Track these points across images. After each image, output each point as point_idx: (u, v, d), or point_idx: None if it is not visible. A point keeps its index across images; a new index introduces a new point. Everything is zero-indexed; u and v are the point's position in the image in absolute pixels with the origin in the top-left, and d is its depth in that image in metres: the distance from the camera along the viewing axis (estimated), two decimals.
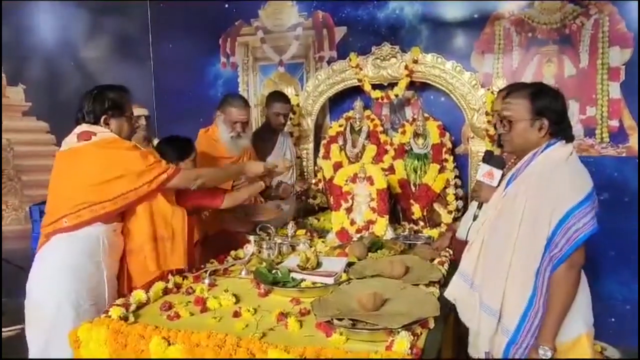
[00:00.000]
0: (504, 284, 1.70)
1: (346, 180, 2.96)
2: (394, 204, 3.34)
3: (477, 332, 1.82)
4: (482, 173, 2.10)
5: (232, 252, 2.58)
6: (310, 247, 2.66)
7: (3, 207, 4.34)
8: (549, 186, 1.66)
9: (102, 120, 2.18)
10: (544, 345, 1.63)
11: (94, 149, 2.12)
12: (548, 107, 1.73)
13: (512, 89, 1.97)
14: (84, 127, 2.17)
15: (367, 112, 3.69)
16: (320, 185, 3.75)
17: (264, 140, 3.36)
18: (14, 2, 4.22)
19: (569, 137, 1.76)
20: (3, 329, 3.61)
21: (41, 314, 2.04)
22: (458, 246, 2.34)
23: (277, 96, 3.45)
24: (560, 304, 1.63)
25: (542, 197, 1.66)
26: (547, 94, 1.76)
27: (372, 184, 2.88)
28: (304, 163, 3.87)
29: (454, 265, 2.18)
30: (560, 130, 1.75)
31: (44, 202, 3.76)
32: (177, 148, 2.53)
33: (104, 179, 2.08)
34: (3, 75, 4.32)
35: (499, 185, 1.95)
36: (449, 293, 1.92)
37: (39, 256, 2.11)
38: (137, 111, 3.14)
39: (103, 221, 2.11)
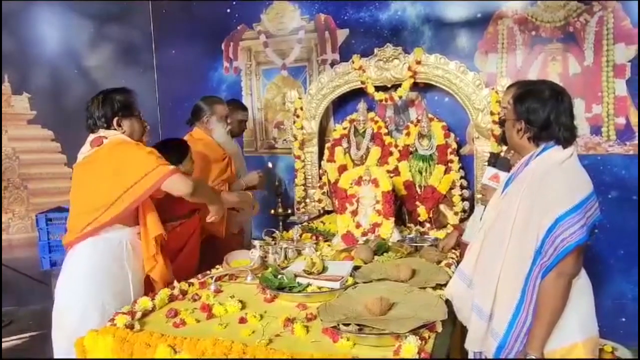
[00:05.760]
0: (495, 287, 1.68)
1: (351, 183, 2.95)
2: (400, 206, 3.32)
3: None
4: (488, 176, 2.08)
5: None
6: (316, 251, 2.65)
7: (10, 215, 4.36)
8: (539, 192, 1.61)
9: (114, 122, 2.20)
10: (531, 353, 1.60)
11: (105, 152, 2.14)
12: (527, 111, 1.68)
13: (519, 86, 1.95)
14: (94, 134, 2.20)
15: (371, 114, 3.68)
16: (325, 189, 3.74)
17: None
18: (18, 13, 4.26)
19: (565, 142, 1.68)
20: (11, 337, 3.62)
21: (66, 318, 2.05)
22: (464, 249, 2.32)
23: (238, 104, 3.57)
24: (547, 312, 1.59)
25: (533, 202, 1.61)
26: (531, 98, 1.69)
27: (377, 186, 2.87)
28: (308, 167, 3.86)
29: None
30: (545, 135, 1.68)
31: (50, 210, 3.82)
32: (174, 150, 2.51)
33: (116, 179, 2.08)
34: (8, 84, 4.35)
35: None
36: (447, 291, 1.92)
37: (65, 262, 2.14)
38: None
39: (124, 223, 2.14)
